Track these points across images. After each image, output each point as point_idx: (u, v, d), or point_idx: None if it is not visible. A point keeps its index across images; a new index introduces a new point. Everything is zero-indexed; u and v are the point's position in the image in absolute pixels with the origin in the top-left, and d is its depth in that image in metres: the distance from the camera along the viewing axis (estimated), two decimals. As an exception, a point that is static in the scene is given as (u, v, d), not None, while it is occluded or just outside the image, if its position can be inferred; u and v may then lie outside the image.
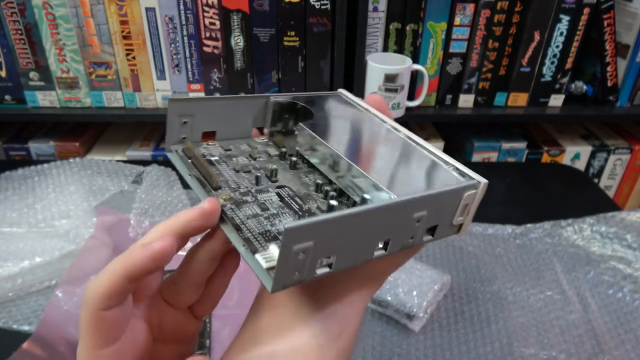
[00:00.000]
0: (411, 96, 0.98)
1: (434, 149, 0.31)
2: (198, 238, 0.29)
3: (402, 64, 0.92)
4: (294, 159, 0.33)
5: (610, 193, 1.16)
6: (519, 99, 1.01)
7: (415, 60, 0.95)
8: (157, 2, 0.86)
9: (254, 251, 0.25)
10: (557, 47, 0.95)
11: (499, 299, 0.65)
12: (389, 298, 0.60)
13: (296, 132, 0.34)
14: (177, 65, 0.92)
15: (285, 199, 0.29)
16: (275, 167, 0.31)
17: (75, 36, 0.88)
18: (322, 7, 0.87)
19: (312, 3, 0.86)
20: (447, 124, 1.14)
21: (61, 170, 0.83)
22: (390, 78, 0.91)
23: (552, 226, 0.77)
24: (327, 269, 0.24)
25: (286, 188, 0.30)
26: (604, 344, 0.59)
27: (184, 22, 0.88)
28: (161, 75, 0.93)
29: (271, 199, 0.29)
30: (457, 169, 0.30)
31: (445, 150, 1.08)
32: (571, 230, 0.76)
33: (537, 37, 0.94)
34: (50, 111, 0.94)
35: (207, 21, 0.88)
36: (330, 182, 0.31)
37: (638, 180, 1.15)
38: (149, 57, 0.91)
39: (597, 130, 1.16)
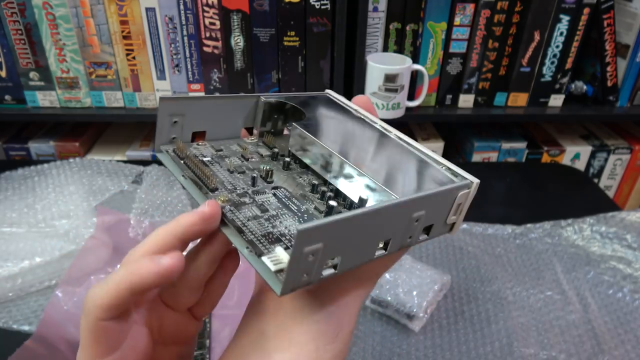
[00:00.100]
0: (411, 96, 0.98)
1: (425, 148, 0.31)
2: (197, 239, 0.29)
3: (402, 64, 0.91)
4: (287, 159, 0.32)
5: (610, 193, 1.16)
6: (519, 99, 1.01)
7: (415, 60, 0.95)
8: (157, 2, 0.86)
9: (259, 254, 0.24)
10: (557, 47, 0.95)
11: (498, 299, 0.65)
12: (389, 298, 0.60)
13: (287, 132, 0.33)
14: (177, 65, 0.92)
15: (283, 200, 0.29)
16: (269, 167, 0.31)
17: (75, 36, 0.88)
18: (322, 7, 0.87)
19: (312, 3, 0.86)
20: (447, 124, 1.14)
21: (61, 170, 0.83)
22: (390, 78, 0.91)
23: (552, 226, 0.77)
24: (332, 270, 0.24)
25: (282, 189, 0.30)
26: (604, 344, 0.59)
27: (184, 22, 0.88)
28: (161, 75, 0.93)
29: (269, 200, 0.29)
30: (449, 168, 0.30)
31: (445, 150, 1.08)
32: (571, 230, 0.76)
33: (537, 37, 0.93)
34: (50, 111, 0.94)
35: (207, 21, 0.88)
36: (326, 183, 0.31)
37: (638, 180, 1.15)
38: (149, 57, 0.91)
39: (597, 130, 1.16)
